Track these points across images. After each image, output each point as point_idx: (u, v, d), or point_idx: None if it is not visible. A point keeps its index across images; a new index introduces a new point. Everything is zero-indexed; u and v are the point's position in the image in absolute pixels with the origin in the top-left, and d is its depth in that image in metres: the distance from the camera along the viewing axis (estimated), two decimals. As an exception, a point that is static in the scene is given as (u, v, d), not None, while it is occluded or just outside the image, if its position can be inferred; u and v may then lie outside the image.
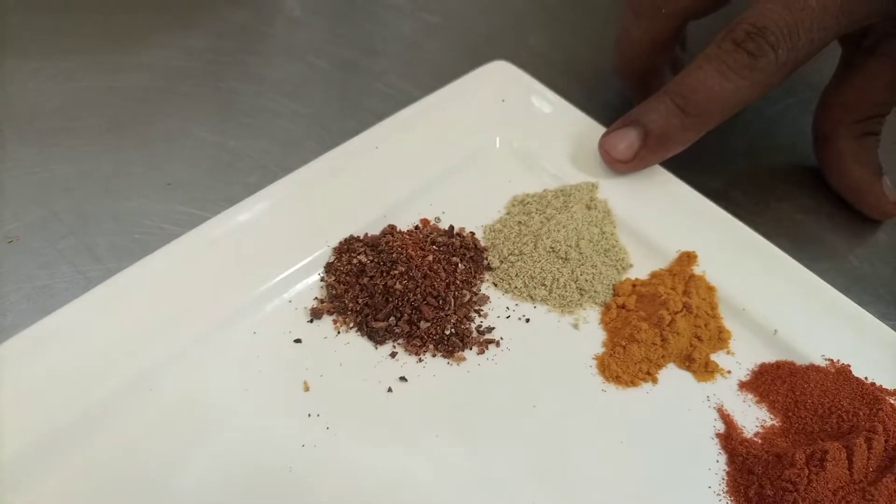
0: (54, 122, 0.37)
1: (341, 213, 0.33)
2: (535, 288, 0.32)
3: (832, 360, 0.31)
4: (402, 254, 0.31)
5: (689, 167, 0.36)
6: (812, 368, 0.31)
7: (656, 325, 0.31)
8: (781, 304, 0.33)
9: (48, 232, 0.33)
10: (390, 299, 0.30)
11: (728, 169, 0.41)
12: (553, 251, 0.33)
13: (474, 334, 0.31)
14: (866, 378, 0.31)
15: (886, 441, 0.29)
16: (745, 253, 0.34)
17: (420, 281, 0.30)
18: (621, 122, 0.35)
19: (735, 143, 0.42)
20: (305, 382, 0.29)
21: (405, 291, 0.30)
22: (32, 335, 0.27)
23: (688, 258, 0.34)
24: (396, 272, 0.30)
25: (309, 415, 0.28)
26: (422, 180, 0.35)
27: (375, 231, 0.33)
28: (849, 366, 0.31)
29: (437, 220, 0.34)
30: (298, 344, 0.30)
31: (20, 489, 0.25)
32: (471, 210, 0.35)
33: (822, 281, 0.33)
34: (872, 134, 0.37)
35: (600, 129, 0.37)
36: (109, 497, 0.25)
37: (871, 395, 0.30)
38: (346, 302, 0.30)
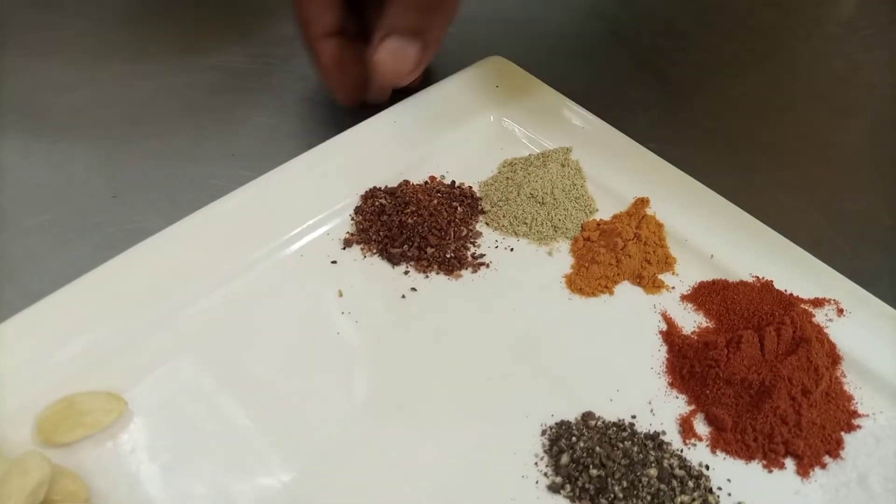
0: (145, 110, 0.47)
1: (367, 171, 0.42)
2: (518, 226, 0.41)
3: (758, 277, 0.39)
4: (414, 197, 0.40)
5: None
6: (741, 284, 0.39)
7: (612, 250, 0.40)
8: (717, 234, 0.41)
9: (143, 189, 0.43)
10: (404, 231, 0.39)
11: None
12: (532, 197, 0.41)
13: (469, 258, 0.40)
14: (785, 290, 0.39)
15: (794, 332, 0.36)
16: (688, 197, 0.42)
17: (427, 217, 0.40)
18: (380, 38, 0.38)
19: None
20: (340, 291, 0.38)
21: (415, 225, 0.39)
22: (112, 264, 0.36)
23: (641, 202, 0.42)
24: (409, 210, 0.40)
25: (342, 312, 0.37)
26: (430, 148, 0.44)
27: (393, 185, 0.42)
28: (771, 281, 0.39)
29: (442, 177, 0.43)
30: (334, 265, 0.39)
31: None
32: (470, 171, 0.44)
33: (750, 216, 0.41)
34: None
35: (575, 106, 0.46)
36: (186, 372, 0.34)
37: (787, 300, 0.38)
38: (371, 234, 0.40)
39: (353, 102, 0.43)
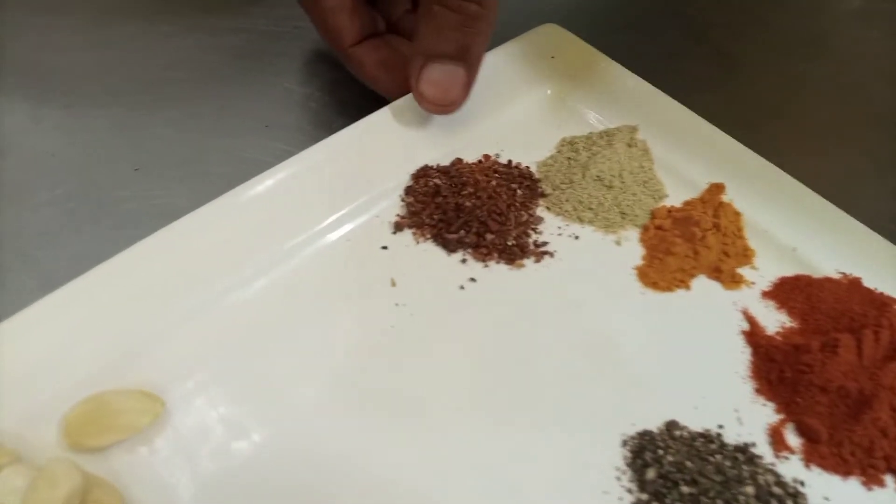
0: (163, 75, 0.43)
1: (416, 148, 0.38)
2: (583, 211, 0.37)
3: (845, 274, 0.36)
4: (471, 178, 0.36)
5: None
6: (827, 280, 0.36)
7: (689, 241, 0.36)
8: (800, 226, 0.37)
9: (167, 162, 0.39)
10: (461, 215, 0.36)
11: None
12: (599, 179, 0.38)
13: (532, 247, 0.36)
14: (875, 289, 0.36)
15: (893, 335, 0.33)
16: (768, 184, 0.38)
17: (486, 200, 0.36)
18: (420, 66, 0.35)
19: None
20: (392, 279, 0.34)
21: (473, 208, 0.36)
22: (143, 246, 0.32)
23: (717, 188, 0.39)
24: (466, 192, 0.36)
25: (396, 304, 0.33)
26: (483, 125, 0.40)
27: (445, 164, 0.38)
28: (860, 278, 0.36)
29: (497, 156, 0.40)
30: (385, 250, 0.35)
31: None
32: (525, 150, 0.40)
33: (835, 206, 0.37)
34: None
35: (638, 80, 0.42)
36: (227, 370, 0.31)
37: (879, 300, 0.35)
38: (423, 217, 0.36)
39: None
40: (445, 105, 0.36)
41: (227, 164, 0.39)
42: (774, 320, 0.35)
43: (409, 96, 0.39)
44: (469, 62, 0.36)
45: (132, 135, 0.40)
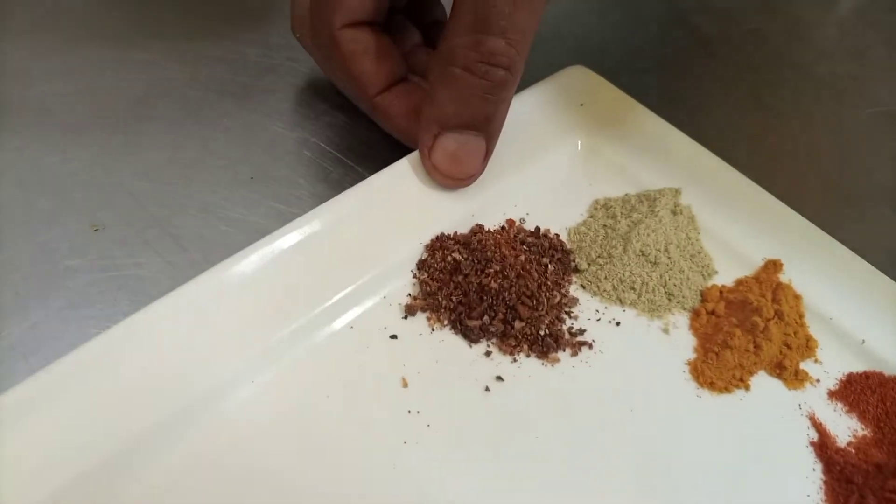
0: (136, 111, 0.37)
1: (429, 212, 0.33)
2: (624, 291, 0.32)
3: (923, 372, 0.31)
4: (497, 252, 0.31)
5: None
6: (902, 379, 0.31)
7: (749, 332, 0.31)
8: (869, 314, 0.32)
9: (134, 221, 0.33)
10: (485, 298, 0.30)
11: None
12: (643, 255, 0.32)
13: (567, 336, 0.31)
14: (959, 391, 0.31)
15: None
16: (830, 262, 0.34)
17: (514, 280, 0.30)
18: (434, 135, 0.31)
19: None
20: (404, 378, 0.28)
21: (500, 290, 0.30)
22: (131, 325, 0.26)
23: (774, 266, 0.34)
24: (491, 271, 0.30)
25: (409, 411, 0.28)
26: (505, 182, 0.35)
27: (463, 230, 0.33)
28: (941, 378, 0.31)
29: (522, 220, 0.34)
30: (394, 340, 0.29)
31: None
32: (554, 212, 0.35)
33: (910, 291, 0.32)
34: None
35: (678, 133, 0.37)
36: (207, 496, 0.25)
37: (965, 407, 0.30)
38: (440, 299, 0.30)
39: None
40: (461, 179, 0.32)
41: (204, 225, 0.33)
42: (845, 427, 0.30)
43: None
44: (490, 133, 0.31)
45: (94, 185, 0.34)
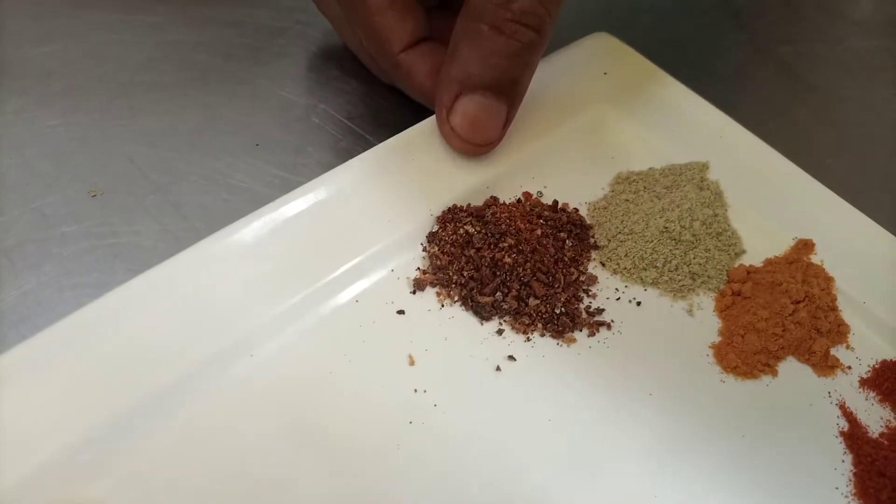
0: (140, 76, 0.36)
1: (442, 182, 0.31)
2: (645, 269, 0.30)
3: (962, 361, 0.29)
4: (511, 226, 0.29)
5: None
6: (939, 368, 0.29)
7: (777, 315, 0.29)
8: (906, 298, 0.30)
9: (133, 187, 0.32)
10: (498, 273, 0.29)
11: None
12: (666, 231, 0.31)
13: (584, 315, 0.29)
14: None
15: None
16: (864, 243, 0.32)
17: (529, 255, 0.29)
18: (455, 95, 0.29)
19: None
20: (411, 356, 0.27)
21: (514, 266, 0.28)
22: (126, 292, 0.25)
23: (805, 246, 0.32)
24: (505, 245, 0.29)
25: (415, 390, 0.26)
26: (523, 153, 0.33)
27: (477, 202, 0.31)
28: (980, 367, 0.29)
29: (540, 194, 0.32)
30: (402, 315, 0.28)
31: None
32: (573, 186, 0.33)
33: (951, 276, 0.30)
34: None
35: (706, 105, 0.35)
36: (202, 470, 0.24)
37: None
38: (451, 274, 0.29)
39: None
40: (478, 145, 0.30)
41: (207, 193, 0.31)
42: (878, 417, 0.29)
43: (433, 119, 0.32)
44: (513, 98, 0.29)
45: (93, 150, 0.32)
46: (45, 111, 0.34)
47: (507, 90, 0.29)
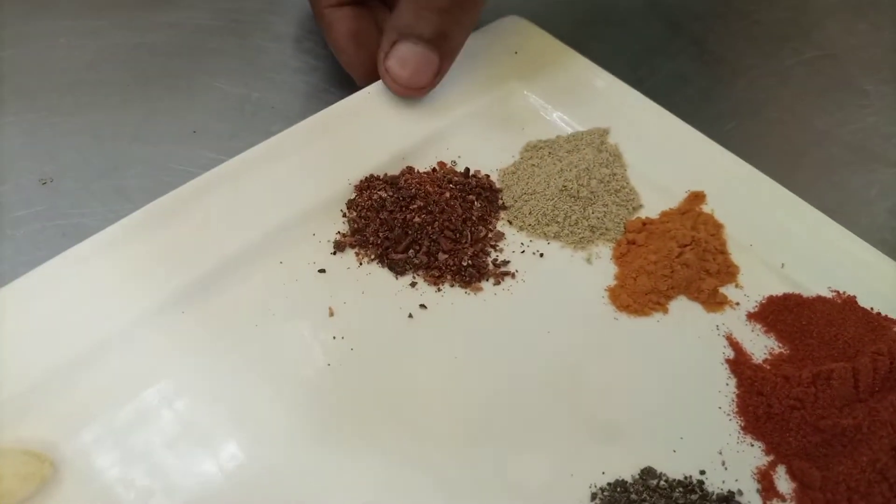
0: (85, 76, 0.38)
1: (361, 154, 0.34)
2: (547, 225, 0.33)
3: (838, 292, 0.32)
4: (420, 190, 0.32)
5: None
6: (819, 300, 0.32)
7: (665, 258, 0.32)
8: (788, 239, 0.34)
9: (80, 174, 0.34)
10: (409, 232, 0.31)
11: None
12: (565, 189, 0.34)
13: (490, 267, 0.32)
14: (872, 308, 0.32)
15: (892, 363, 0.29)
16: (751, 192, 0.35)
17: (437, 215, 0.32)
18: (392, 42, 0.33)
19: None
20: (330, 308, 0.30)
21: (423, 225, 0.31)
22: (72, 255, 0.28)
23: (696, 198, 0.35)
24: (415, 206, 0.32)
25: (334, 337, 0.29)
26: (438, 126, 0.36)
27: (394, 172, 0.34)
28: (854, 297, 0.32)
29: (454, 163, 0.35)
30: (323, 274, 0.31)
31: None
32: (486, 155, 0.36)
33: (827, 217, 0.33)
34: None
35: (610, 77, 0.38)
36: (132, 416, 0.26)
37: (876, 322, 0.31)
38: (367, 235, 0.32)
39: (373, 82, 0.35)
40: (411, 88, 0.34)
41: (148, 177, 0.34)
42: (762, 346, 0.31)
43: (355, 96, 0.35)
44: (444, 50, 0.33)
45: (43, 143, 0.35)
46: (-2, 109, 0.36)
47: (438, 42, 0.33)
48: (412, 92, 0.34)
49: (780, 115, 0.44)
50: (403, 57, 0.33)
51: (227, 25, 0.42)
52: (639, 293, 0.32)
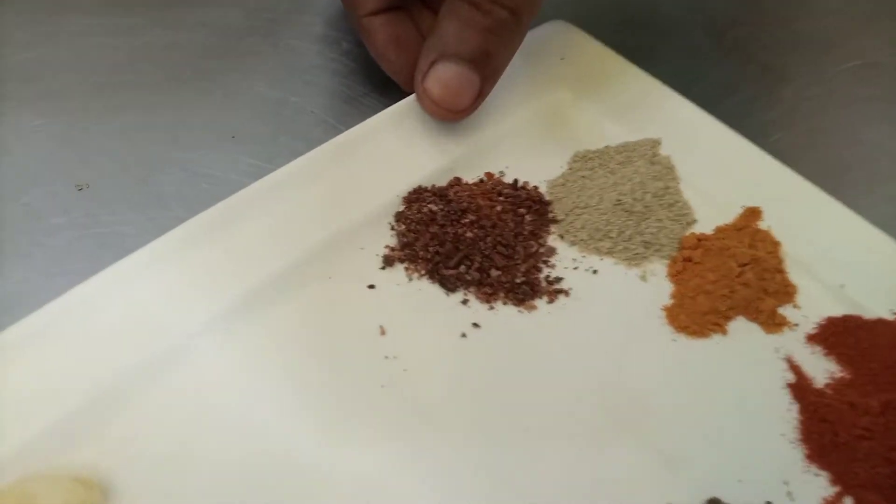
0: (116, 77, 0.37)
1: (407, 165, 0.33)
2: (600, 240, 0.32)
3: (900, 315, 0.31)
4: (472, 203, 0.31)
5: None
6: (880, 322, 0.31)
7: (725, 277, 0.31)
8: (848, 259, 0.32)
9: (116, 181, 0.33)
10: (461, 247, 0.30)
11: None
12: (619, 203, 0.33)
13: (544, 284, 0.31)
14: (936, 332, 0.31)
15: (962, 392, 0.28)
16: (810, 209, 0.34)
17: (489, 230, 0.31)
18: (431, 61, 0.31)
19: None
20: (381, 327, 0.29)
21: (475, 240, 0.30)
22: (84, 290, 0.27)
23: (752, 213, 0.34)
24: (466, 220, 0.31)
25: (386, 357, 0.28)
26: (484, 135, 0.35)
27: (442, 183, 0.33)
28: (918, 320, 0.31)
29: (501, 174, 0.34)
30: (372, 290, 0.30)
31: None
32: (533, 166, 0.35)
33: (888, 236, 0.32)
34: None
35: (659, 85, 0.37)
36: (189, 438, 0.25)
37: (942, 348, 0.30)
38: (417, 250, 0.31)
39: None
40: (450, 111, 0.32)
41: (186, 184, 0.33)
42: (822, 369, 0.30)
43: (400, 105, 0.34)
44: (486, 72, 0.31)
45: (76, 148, 0.34)
46: (29, 113, 0.35)
47: (480, 62, 0.31)
48: (451, 115, 0.32)
49: (826, 126, 0.42)
50: (442, 78, 0.31)
51: (261, 25, 0.40)
52: (697, 313, 0.31)
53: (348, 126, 0.36)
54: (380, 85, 0.38)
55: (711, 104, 0.37)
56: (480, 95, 0.32)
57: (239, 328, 0.28)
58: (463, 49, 0.31)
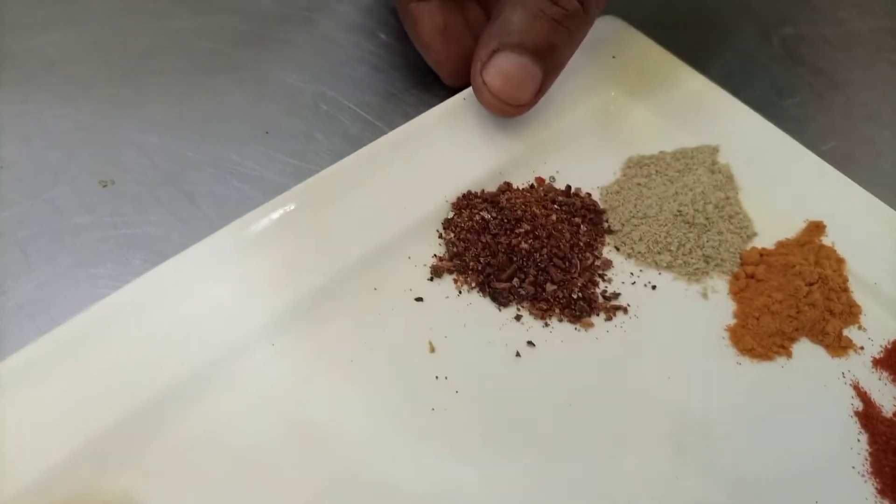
0: (144, 63, 0.35)
1: (456, 168, 0.31)
2: (659, 253, 0.31)
3: (972, 339, 0.30)
4: (527, 211, 0.29)
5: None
6: (950, 347, 0.30)
7: (791, 296, 0.30)
8: (917, 279, 0.31)
9: (144, 176, 0.31)
10: (514, 259, 0.29)
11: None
12: (680, 215, 0.31)
13: (601, 300, 0.29)
14: None
15: None
16: (874, 224, 0.32)
17: (546, 241, 0.29)
18: (492, 50, 0.29)
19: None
20: (430, 343, 0.27)
21: (531, 251, 0.28)
22: (144, 283, 0.25)
23: (816, 228, 0.32)
24: (521, 230, 0.29)
25: (436, 377, 0.26)
26: (535, 137, 0.33)
27: (490, 187, 0.31)
28: None
29: (552, 179, 0.32)
30: (420, 302, 0.28)
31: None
32: (585, 171, 0.33)
33: (961, 256, 0.31)
34: None
35: (715, 88, 0.35)
36: (224, 459, 0.24)
37: None
38: (468, 260, 0.29)
39: (462, 81, 0.32)
40: (510, 104, 0.30)
41: (218, 181, 0.31)
42: (891, 396, 0.29)
43: (448, 104, 0.32)
44: (549, 66, 0.29)
45: (101, 141, 0.32)
46: (51, 101, 0.33)
47: (545, 55, 0.29)
48: (509, 110, 0.30)
49: (882, 134, 0.41)
50: (504, 69, 0.29)
51: (294, 13, 0.38)
52: (763, 335, 0.29)
53: (387, 123, 0.34)
54: (421, 81, 0.36)
55: (761, 107, 0.35)
56: (541, 90, 0.30)
57: (284, 343, 0.26)
58: (528, 39, 0.28)
